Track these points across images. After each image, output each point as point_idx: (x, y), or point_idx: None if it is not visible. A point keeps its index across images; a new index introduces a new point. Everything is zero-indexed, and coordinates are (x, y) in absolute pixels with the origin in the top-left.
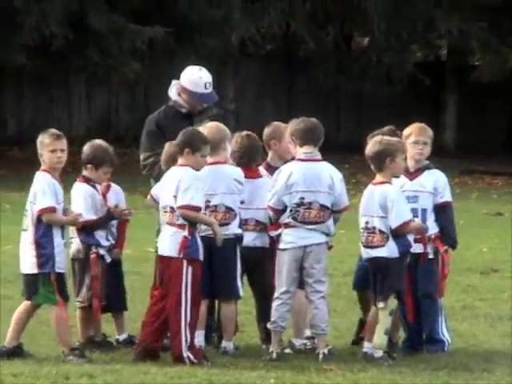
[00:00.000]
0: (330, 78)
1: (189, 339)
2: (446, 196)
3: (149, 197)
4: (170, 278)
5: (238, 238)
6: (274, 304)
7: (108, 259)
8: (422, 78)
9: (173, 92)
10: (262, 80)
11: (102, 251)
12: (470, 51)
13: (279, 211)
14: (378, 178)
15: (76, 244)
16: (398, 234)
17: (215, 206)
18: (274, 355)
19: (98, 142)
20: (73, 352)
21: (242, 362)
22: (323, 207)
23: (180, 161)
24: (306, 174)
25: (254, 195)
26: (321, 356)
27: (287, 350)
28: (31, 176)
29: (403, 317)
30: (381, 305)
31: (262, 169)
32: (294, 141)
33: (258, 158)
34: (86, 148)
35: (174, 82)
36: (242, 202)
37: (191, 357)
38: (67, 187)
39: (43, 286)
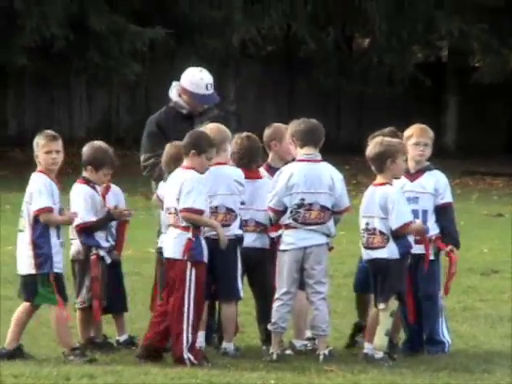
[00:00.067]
0: (331, 79)
1: (190, 341)
2: (447, 197)
3: (154, 196)
4: (174, 279)
5: (239, 239)
6: (275, 305)
7: (108, 260)
8: (423, 79)
9: (173, 93)
10: (262, 81)
11: (102, 252)
12: (470, 52)
13: (279, 212)
14: (379, 179)
15: (76, 245)
16: (399, 235)
17: (216, 208)
18: (275, 356)
19: (98, 143)
20: (73, 352)
21: (242, 363)
22: (324, 208)
23: (185, 162)
24: (307, 175)
25: (254, 196)
26: (321, 357)
27: (288, 351)
28: None
29: (404, 318)
30: (381, 306)
31: (262, 170)
32: (295, 142)
33: (258, 159)
34: (86, 149)
35: (174, 83)
36: (242, 203)
37: (192, 358)
38: (67, 188)
39: (42, 286)
